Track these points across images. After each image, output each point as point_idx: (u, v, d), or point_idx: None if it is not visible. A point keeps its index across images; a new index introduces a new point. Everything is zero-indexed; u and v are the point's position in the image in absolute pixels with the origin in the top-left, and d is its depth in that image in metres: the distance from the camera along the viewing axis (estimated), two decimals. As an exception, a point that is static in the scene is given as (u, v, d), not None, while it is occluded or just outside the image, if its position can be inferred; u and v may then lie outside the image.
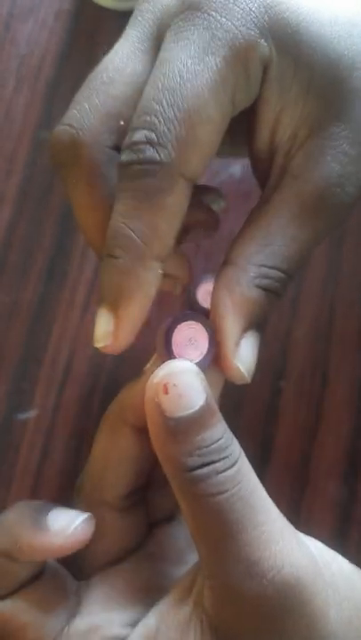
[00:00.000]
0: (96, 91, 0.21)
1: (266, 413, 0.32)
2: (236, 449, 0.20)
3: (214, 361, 0.21)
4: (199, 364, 0.21)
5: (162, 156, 0.19)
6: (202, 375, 0.20)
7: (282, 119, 0.21)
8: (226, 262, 0.21)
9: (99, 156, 0.20)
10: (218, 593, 0.19)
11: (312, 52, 0.20)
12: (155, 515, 0.25)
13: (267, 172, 0.22)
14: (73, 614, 0.23)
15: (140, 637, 0.21)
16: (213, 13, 0.19)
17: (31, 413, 0.31)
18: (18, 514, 0.22)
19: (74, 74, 0.35)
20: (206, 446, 0.19)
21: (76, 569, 0.24)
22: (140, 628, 0.21)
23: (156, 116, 0.19)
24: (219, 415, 0.20)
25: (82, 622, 0.22)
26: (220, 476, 0.19)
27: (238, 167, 0.34)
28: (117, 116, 0.20)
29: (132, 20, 0.22)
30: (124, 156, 0.19)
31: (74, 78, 0.35)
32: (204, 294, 0.31)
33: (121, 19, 0.35)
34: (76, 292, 0.33)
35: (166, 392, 0.19)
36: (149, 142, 0.19)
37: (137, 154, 0.19)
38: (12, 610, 0.22)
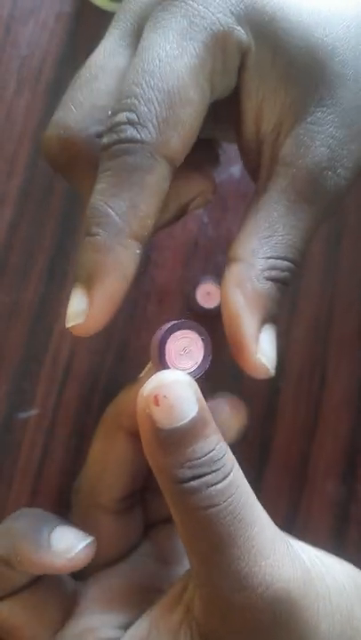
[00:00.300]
0: (80, 89, 0.21)
1: (264, 413, 0.32)
2: (228, 461, 0.20)
3: (236, 358, 0.21)
4: (193, 374, 0.20)
5: (142, 135, 0.19)
6: (195, 385, 0.20)
7: (265, 108, 0.21)
8: (231, 260, 0.21)
9: (92, 149, 0.20)
10: (207, 603, 0.19)
11: (290, 39, 0.20)
12: (152, 516, 0.26)
13: (256, 163, 0.22)
14: (68, 615, 0.23)
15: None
16: (190, 2, 0.20)
17: (32, 413, 0.31)
18: (22, 524, 0.22)
19: (74, 75, 0.35)
20: (197, 458, 0.19)
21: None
22: (132, 632, 0.21)
23: (136, 97, 0.19)
24: (212, 426, 0.20)
25: (76, 624, 0.22)
26: (211, 489, 0.19)
27: (238, 167, 0.34)
28: (104, 108, 0.20)
29: (114, 19, 0.22)
30: (106, 139, 0.19)
31: (74, 80, 0.35)
32: (203, 294, 0.31)
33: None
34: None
35: (157, 404, 0.19)
36: (130, 122, 0.19)
37: (118, 134, 0.19)
38: (7, 612, 0.22)
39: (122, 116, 0.19)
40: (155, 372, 0.20)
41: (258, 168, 0.22)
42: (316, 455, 0.31)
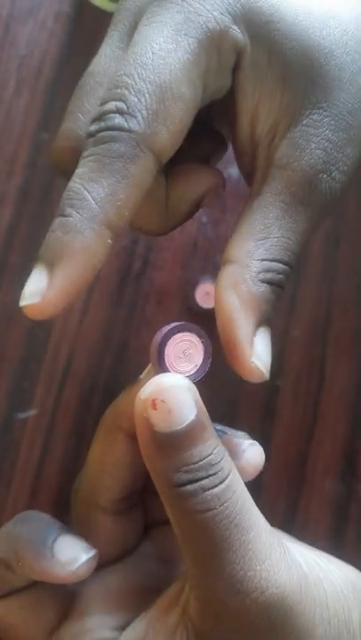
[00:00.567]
0: (86, 97, 0.21)
1: (263, 413, 0.32)
2: (225, 465, 0.19)
3: (230, 361, 0.20)
4: (193, 377, 0.20)
5: (130, 124, 0.18)
6: (193, 389, 0.19)
7: (260, 110, 0.21)
8: (226, 261, 0.21)
9: None
10: (202, 605, 0.19)
11: (286, 41, 0.20)
12: (151, 516, 0.26)
13: (251, 165, 0.22)
14: (65, 616, 0.23)
15: None
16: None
17: (31, 412, 0.31)
18: (26, 529, 0.22)
19: (74, 75, 0.35)
20: (194, 462, 0.19)
21: None
22: (129, 632, 0.21)
23: (127, 87, 0.19)
24: (210, 430, 0.20)
25: (73, 625, 0.22)
26: (207, 493, 0.19)
27: (236, 168, 0.34)
28: None
29: (112, 21, 0.22)
30: (93, 127, 0.19)
31: (74, 80, 0.34)
32: (202, 295, 0.31)
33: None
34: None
35: (155, 408, 0.19)
36: (119, 111, 0.19)
37: (105, 122, 0.19)
38: (4, 611, 0.22)
39: (111, 105, 0.19)
40: (154, 375, 0.20)
41: (253, 170, 0.22)
42: (315, 454, 0.31)
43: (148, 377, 0.21)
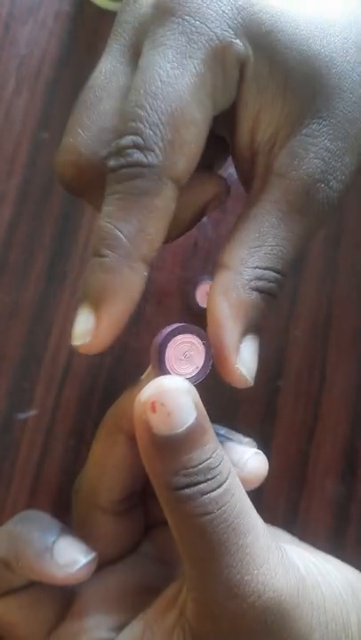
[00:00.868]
0: (86, 112, 0.21)
1: (264, 413, 0.32)
2: (224, 469, 0.19)
3: (216, 365, 0.21)
4: (193, 379, 0.20)
5: (149, 158, 0.19)
6: (194, 392, 0.19)
7: (261, 119, 0.21)
8: (220, 267, 0.21)
9: (104, 172, 0.20)
10: (199, 607, 0.20)
11: (287, 50, 0.20)
12: (152, 517, 0.26)
13: (250, 173, 0.22)
14: (64, 615, 0.23)
15: None
16: (187, 17, 0.20)
17: (31, 413, 0.31)
18: (27, 529, 0.22)
19: (74, 75, 0.35)
20: (193, 466, 0.19)
21: None
22: (127, 632, 0.21)
23: (140, 121, 0.19)
24: (210, 434, 0.20)
25: (71, 625, 0.22)
26: (205, 497, 0.19)
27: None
28: (110, 129, 0.21)
29: (112, 32, 0.22)
30: (113, 162, 0.20)
31: (74, 79, 0.35)
32: (202, 295, 0.31)
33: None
34: (76, 292, 0.33)
35: (154, 410, 0.19)
36: (136, 146, 0.19)
37: (125, 158, 0.19)
38: (3, 610, 0.22)
39: (128, 140, 0.19)
40: (155, 377, 0.20)
41: (251, 177, 0.22)
42: (316, 455, 0.31)
43: (149, 378, 0.21)
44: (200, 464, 0.19)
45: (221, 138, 0.24)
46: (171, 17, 0.20)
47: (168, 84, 0.19)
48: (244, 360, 0.20)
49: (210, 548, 0.19)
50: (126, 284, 0.19)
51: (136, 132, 0.19)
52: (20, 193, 0.33)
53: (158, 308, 0.32)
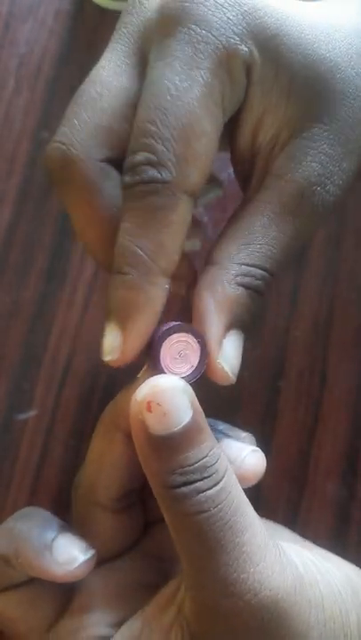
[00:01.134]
0: (85, 106, 0.21)
1: (264, 413, 0.32)
2: (221, 467, 0.20)
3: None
4: (189, 378, 0.20)
5: (163, 175, 0.19)
6: (189, 390, 0.20)
7: (264, 121, 0.21)
8: (207, 263, 0.21)
9: (91, 171, 0.20)
10: (197, 605, 0.20)
11: (293, 54, 0.20)
12: (151, 514, 0.26)
13: (248, 174, 0.22)
14: (63, 611, 0.23)
15: (124, 638, 0.21)
16: (193, 26, 0.20)
17: (31, 413, 0.31)
18: (26, 526, 0.22)
19: (74, 74, 0.35)
20: (189, 465, 0.19)
21: None
22: (125, 629, 0.21)
23: (152, 137, 0.19)
24: (206, 432, 0.20)
25: (70, 621, 0.22)
26: (201, 495, 0.19)
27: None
28: (107, 130, 0.21)
29: (116, 31, 0.22)
30: (127, 179, 0.20)
31: (74, 78, 0.34)
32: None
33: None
34: (76, 292, 0.33)
35: (150, 410, 0.19)
36: (149, 163, 0.19)
37: (139, 175, 0.19)
38: (3, 606, 0.23)
39: (141, 157, 0.19)
40: (150, 376, 0.20)
41: (249, 177, 0.22)
42: (317, 455, 0.31)
43: (145, 377, 0.21)
44: (196, 463, 0.19)
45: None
46: (176, 26, 0.20)
47: (177, 98, 0.19)
48: (227, 355, 0.20)
49: (206, 547, 0.19)
50: (149, 299, 0.20)
51: (148, 149, 0.19)
52: (20, 192, 0.33)
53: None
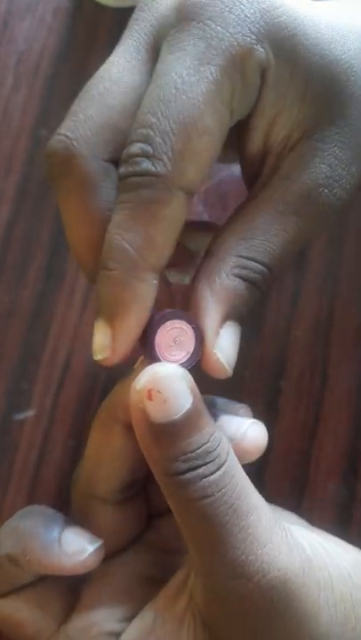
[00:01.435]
0: (92, 101, 0.20)
1: (265, 413, 0.31)
2: (223, 451, 0.20)
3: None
4: (185, 365, 0.20)
5: (158, 167, 0.19)
6: (188, 377, 0.20)
7: (277, 122, 0.21)
8: (206, 254, 0.21)
9: (92, 168, 0.20)
10: (207, 591, 0.20)
11: (309, 55, 0.20)
12: (155, 506, 0.26)
13: (257, 174, 0.22)
14: (71, 610, 0.23)
15: (137, 630, 0.21)
16: (209, 22, 0.19)
17: (29, 413, 0.31)
18: (32, 524, 0.22)
19: (72, 71, 0.35)
20: (192, 451, 0.19)
21: None
22: (137, 622, 0.21)
23: (151, 128, 0.19)
24: (206, 417, 0.20)
25: (80, 618, 0.22)
26: (205, 480, 0.19)
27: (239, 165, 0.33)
28: (114, 128, 0.20)
29: (128, 27, 0.21)
30: (122, 169, 0.19)
31: (72, 75, 0.35)
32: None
33: (119, 16, 0.35)
34: (75, 292, 0.33)
35: (150, 398, 0.19)
36: (145, 155, 0.19)
37: (133, 166, 0.19)
38: (11, 608, 0.22)
39: (137, 148, 0.19)
40: (147, 364, 0.20)
41: (257, 177, 0.22)
42: (318, 455, 0.31)
43: (142, 367, 0.21)
44: (198, 448, 0.19)
45: None
46: (192, 21, 0.20)
47: (182, 92, 0.19)
48: (223, 346, 0.20)
49: (212, 531, 0.19)
50: (137, 295, 0.19)
51: (146, 140, 0.19)
52: (18, 190, 0.33)
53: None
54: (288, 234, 0.21)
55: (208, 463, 0.19)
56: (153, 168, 0.19)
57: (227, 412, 0.23)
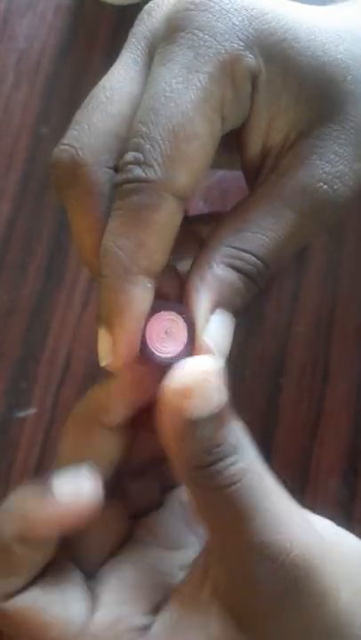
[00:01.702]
0: (95, 110, 0.21)
1: (266, 411, 0.31)
2: (243, 439, 0.20)
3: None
4: (177, 357, 0.20)
5: (148, 174, 0.19)
6: (221, 371, 0.20)
7: (273, 126, 0.21)
8: (201, 247, 0.21)
9: (98, 176, 0.20)
10: (232, 577, 0.20)
11: (301, 58, 0.20)
12: (138, 504, 0.25)
13: (257, 175, 0.22)
14: (91, 609, 0.22)
15: (165, 624, 0.21)
16: (197, 32, 0.20)
17: (29, 412, 0.31)
18: (21, 494, 0.22)
19: (73, 69, 0.35)
20: (223, 443, 0.20)
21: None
22: (164, 615, 0.21)
23: (142, 136, 0.19)
24: (229, 408, 0.20)
25: (104, 615, 0.22)
26: (232, 468, 0.19)
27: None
28: (116, 136, 0.21)
29: (127, 42, 0.22)
30: (117, 178, 0.20)
31: (73, 73, 0.35)
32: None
33: (120, 13, 0.35)
34: (75, 290, 0.33)
35: (188, 395, 0.19)
36: (137, 162, 0.19)
37: (126, 174, 0.20)
38: (31, 603, 0.22)
39: (130, 156, 0.20)
40: (137, 358, 0.20)
41: (257, 178, 0.22)
42: (318, 453, 0.31)
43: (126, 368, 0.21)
44: (226, 439, 0.20)
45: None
46: (180, 32, 0.20)
47: (171, 99, 0.19)
48: (213, 333, 0.20)
49: (239, 517, 0.19)
50: (131, 300, 0.19)
51: (137, 148, 0.19)
52: (19, 188, 0.33)
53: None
54: (283, 229, 0.21)
55: (235, 453, 0.20)
56: (143, 174, 0.19)
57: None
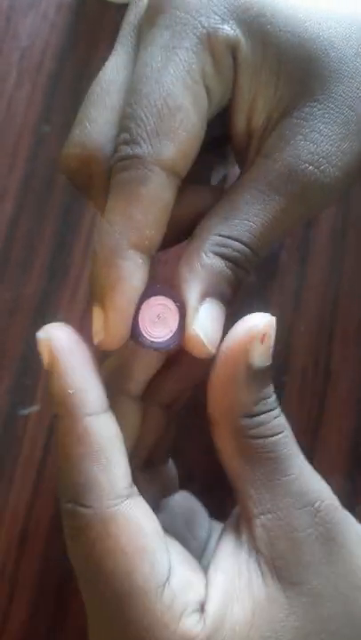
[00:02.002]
0: (93, 105, 0.21)
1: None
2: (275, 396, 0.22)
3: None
4: (168, 342, 0.20)
5: (135, 150, 0.20)
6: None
7: (257, 103, 0.21)
8: (190, 238, 0.21)
9: (107, 167, 0.21)
10: (271, 530, 0.21)
11: (281, 34, 0.20)
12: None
13: (245, 158, 0.22)
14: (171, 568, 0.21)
15: (217, 597, 0.20)
16: (173, 11, 0.20)
17: (33, 408, 0.31)
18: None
19: (75, 67, 0.35)
20: (271, 397, 0.21)
21: None
22: (212, 589, 0.21)
23: (127, 117, 0.20)
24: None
25: (179, 576, 0.21)
26: (275, 420, 0.21)
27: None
28: (115, 124, 0.21)
29: (120, 33, 0.23)
30: (112, 161, 0.20)
31: (75, 71, 0.35)
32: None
33: (122, 11, 0.35)
34: (78, 288, 0.33)
35: (262, 342, 0.20)
36: (125, 142, 0.20)
37: (117, 154, 0.20)
38: (137, 520, 0.20)
39: (120, 138, 0.20)
40: (129, 344, 0.20)
41: (245, 162, 0.22)
42: (321, 451, 0.31)
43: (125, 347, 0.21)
44: (271, 393, 0.21)
45: (220, 146, 0.24)
46: (159, 14, 0.20)
47: (151, 79, 0.20)
48: (202, 323, 0.20)
49: (279, 463, 0.21)
50: (122, 274, 0.19)
51: (125, 129, 0.20)
52: (21, 187, 0.33)
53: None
54: (270, 213, 0.21)
55: (277, 407, 0.21)
56: (131, 151, 0.20)
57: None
